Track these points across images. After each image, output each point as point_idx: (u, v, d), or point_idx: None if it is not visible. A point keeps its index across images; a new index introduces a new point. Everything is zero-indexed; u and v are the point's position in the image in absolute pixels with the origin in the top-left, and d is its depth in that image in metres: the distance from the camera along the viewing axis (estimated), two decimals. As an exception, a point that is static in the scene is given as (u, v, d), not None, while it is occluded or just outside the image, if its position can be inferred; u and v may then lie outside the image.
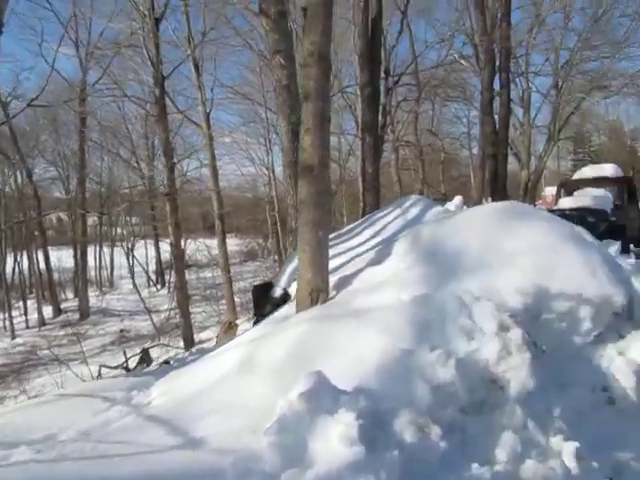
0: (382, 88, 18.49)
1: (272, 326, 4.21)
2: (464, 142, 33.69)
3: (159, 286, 36.44)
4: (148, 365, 9.74)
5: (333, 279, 4.63)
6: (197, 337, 18.95)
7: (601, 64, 33.94)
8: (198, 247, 31.41)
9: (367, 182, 16.72)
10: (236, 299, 22.86)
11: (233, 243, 43.39)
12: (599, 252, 3.60)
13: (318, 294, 4.26)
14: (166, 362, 9.02)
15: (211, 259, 27.27)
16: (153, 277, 37.81)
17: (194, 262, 33.91)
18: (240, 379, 3.28)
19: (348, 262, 5.25)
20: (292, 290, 9.00)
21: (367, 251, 5.26)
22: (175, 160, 20.30)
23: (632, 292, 3.57)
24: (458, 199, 13.49)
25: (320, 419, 2.42)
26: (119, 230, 39.70)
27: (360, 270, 4.51)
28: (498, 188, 20.91)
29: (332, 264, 6.47)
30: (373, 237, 8.85)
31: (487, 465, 2.53)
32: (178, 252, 18.35)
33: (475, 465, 2.50)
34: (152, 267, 38.35)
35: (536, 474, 2.63)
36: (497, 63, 21.00)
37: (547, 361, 3.15)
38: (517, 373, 2.84)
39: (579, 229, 3.91)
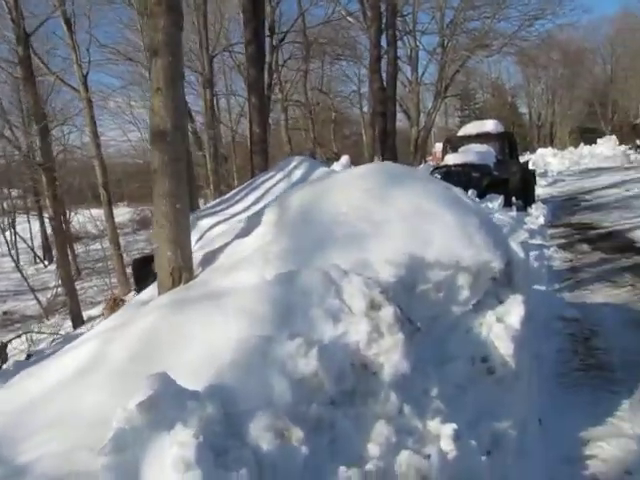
0: (267, 46, 17.89)
1: (130, 313, 3.71)
2: (354, 100, 33.66)
3: (47, 262, 34.30)
4: (3, 362, 8.65)
5: (200, 254, 4.18)
6: (88, 314, 17.92)
7: (483, 24, 34.88)
8: (86, 219, 29.80)
9: (255, 144, 16.13)
10: (128, 271, 21.81)
11: (125, 212, 41.50)
12: (477, 215, 3.37)
13: (180, 273, 3.79)
14: (28, 356, 8.19)
15: (100, 231, 25.90)
16: (40, 253, 35.51)
17: (85, 234, 32.19)
18: (81, 384, 2.79)
19: (222, 234, 4.79)
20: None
21: (241, 220, 4.82)
22: (49, 127, 18.82)
23: (510, 255, 3.38)
24: (345, 158, 13.28)
25: (157, 435, 2.01)
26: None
27: (228, 243, 4.08)
28: (388, 145, 20.96)
29: (207, 236, 6.00)
30: (254, 203, 8.47)
31: (356, 466, 2.23)
32: (57, 226, 17.15)
33: (342, 468, 2.19)
34: (38, 242, 35.94)
35: (410, 466, 2.36)
36: (384, 21, 20.82)
37: (425, 337, 2.90)
38: (390, 355, 2.55)
39: (457, 190, 3.67)
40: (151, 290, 4.17)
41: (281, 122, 25.35)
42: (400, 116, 41.03)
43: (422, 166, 22.89)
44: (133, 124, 28.45)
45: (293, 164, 9.79)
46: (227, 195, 10.71)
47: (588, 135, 42.38)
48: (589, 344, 5.00)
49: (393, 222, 3.22)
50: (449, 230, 3.16)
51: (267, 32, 17.89)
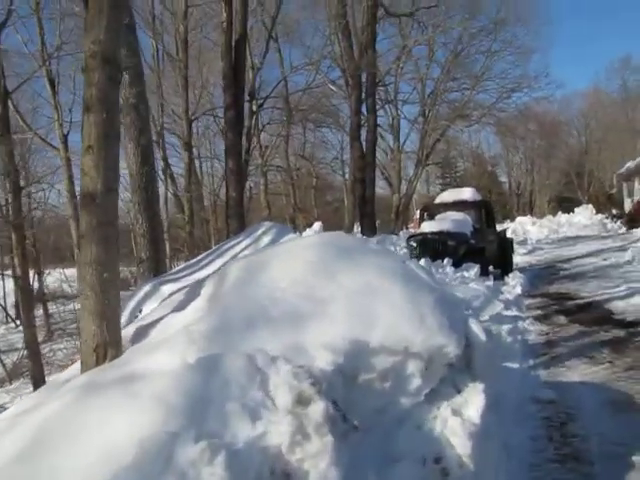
0: (247, 111, 17.91)
1: (42, 396, 3.26)
2: (336, 167, 33.88)
3: (18, 322, 33.25)
4: None
5: (133, 328, 3.79)
6: (53, 378, 17.12)
7: (462, 95, 35.76)
8: (63, 278, 29.08)
9: (231, 207, 15.95)
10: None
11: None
12: (431, 292, 3.01)
13: (105, 350, 3.37)
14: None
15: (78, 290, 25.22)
16: (12, 312, 34.52)
17: (61, 294, 31.38)
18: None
19: (170, 305, 4.38)
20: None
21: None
22: (23, 184, 18.50)
23: (470, 337, 3.02)
24: (317, 225, 13.02)
25: None
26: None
27: (164, 316, 3.69)
28: (367, 212, 20.91)
29: (162, 305, 5.57)
30: (219, 269, 8.12)
31: None
32: (25, 285, 16.54)
33: None
34: (11, 300, 34.91)
35: None
36: (364, 89, 21.14)
37: (366, 435, 2.48)
38: (317, 461, 2.13)
39: (412, 264, 3.33)
40: (74, 367, 3.73)
41: (260, 187, 25.26)
42: (382, 183, 41.50)
43: (402, 233, 22.77)
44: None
45: (261, 230, 9.48)
46: (193, 260, 10.34)
47: (566, 204, 42.97)
48: (565, 430, 4.56)
49: (336, 300, 2.85)
50: (398, 310, 2.79)
51: (247, 97, 17.96)
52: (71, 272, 25.98)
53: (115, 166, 3.53)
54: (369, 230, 20.49)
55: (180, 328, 3.05)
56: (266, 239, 9.08)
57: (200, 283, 3.98)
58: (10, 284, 34.22)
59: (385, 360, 2.65)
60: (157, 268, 10.86)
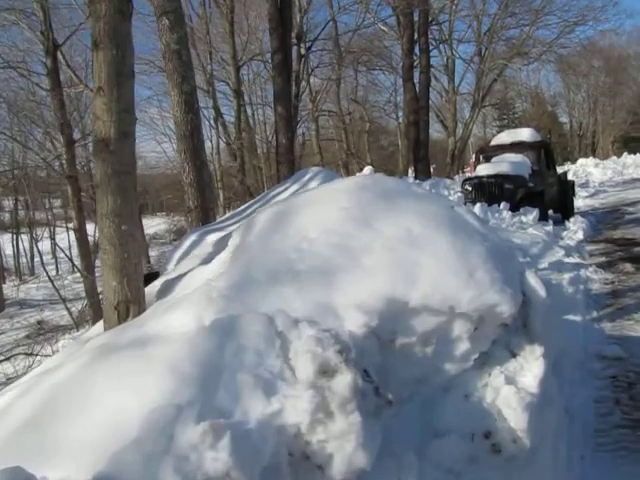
0: (295, 54, 17.27)
1: (66, 354, 3.06)
2: (390, 110, 32.78)
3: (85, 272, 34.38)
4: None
5: (160, 283, 3.54)
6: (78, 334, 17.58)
7: (521, 31, 33.67)
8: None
9: (281, 154, 15.58)
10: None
11: (161, 222, 41.44)
12: (483, 241, 2.58)
13: (127, 306, 3.12)
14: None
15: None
16: (78, 262, 35.69)
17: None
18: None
19: (200, 256, 4.13)
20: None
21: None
22: (77, 137, 18.58)
23: (528, 293, 2.59)
24: (367, 169, 12.51)
25: None
26: (40, 214, 37.12)
27: (192, 269, 3.41)
28: (421, 156, 20.18)
29: (193, 256, 5.34)
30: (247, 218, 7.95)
31: None
32: (82, 237, 16.87)
33: None
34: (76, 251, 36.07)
35: None
36: (416, 28, 20.06)
37: (403, 409, 2.14)
38: (342, 443, 1.80)
39: (462, 209, 2.89)
40: (98, 326, 3.52)
41: (312, 132, 24.66)
42: (437, 126, 40.11)
43: (457, 177, 21.95)
44: (165, 135, 28.32)
45: (308, 175, 9.09)
46: (240, 208, 10.12)
47: (632, 144, 40.57)
48: (634, 391, 4.11)
49: (372, 252, 2.47)
50: (444, 263, 2.39)
51: (295, 40, 17.29)
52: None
53: (129, 108, 3.19)
54: (423, 174, 19.79)
55: (200, 285, 2.75)
56: (313, 184, 8.70)
57: (230, 233, 3.66)
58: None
59: (427, 321, 2.27)
60: (206, 217, 10.70)
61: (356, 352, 2.05)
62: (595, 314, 5.74)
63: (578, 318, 5.25)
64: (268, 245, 2.73)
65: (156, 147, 32.65)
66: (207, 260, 3.47)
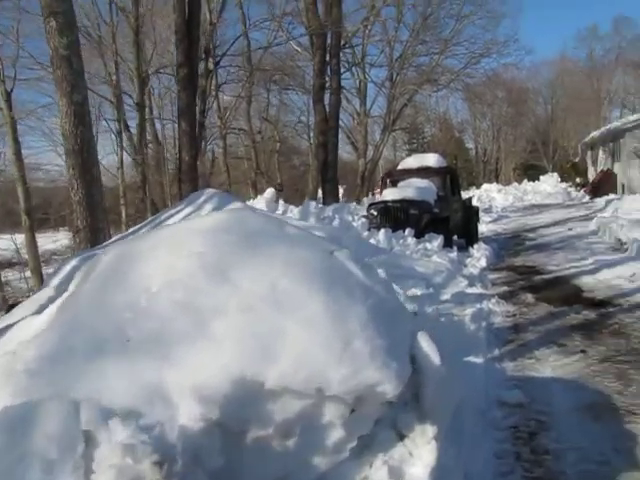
0: (203, 69, 16.64)
1: None
2: (301, 130, 32.62)
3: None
4: None
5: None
6: None
7: (431, 59, 34.63)
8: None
9: (184, 172, 14.82)
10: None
11: (63, 237, 38.99)
12: (366, 297, 2.11)
13: None
14: None
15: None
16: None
17: (17, 260, 29.86)
18: None
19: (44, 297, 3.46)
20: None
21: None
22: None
23: (419, 359, 2.14)
24: (269, 192, 12.04)
25: None
26: None
27: (23, 318, 2.75)
28: (329, 177, 19.98)
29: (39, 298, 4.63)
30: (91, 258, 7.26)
31: None
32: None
33: None
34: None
35: None
36: (328, 50, 19.92)
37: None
38: None
39: (342, 256, 2.42)
40: None
41: (219, 150, 23.97)
42: (349, 148, 40.47)
43: (365, 199, 21.89)
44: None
45: (203, 198, 8.47)
46: (128, 231, 9.32)
47: (531, 172, 42.55)
48: (536, 443, 3.78)
49: (225, 314, 1.94)
50: (314, 330, 1.89)
51: (202, 55, 16.66)
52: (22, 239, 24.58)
53: None
54: (331, 195, 19.58)
55: (9, 349, 2.11)
56: (208, 207, 8.11)
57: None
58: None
59: (289, 406, 1.76)
60: (95, 238, 9.81)
61: (187, 458, 1.49)
62: (497, 352, 5.46)
63: (479, 360, 4.93)
64: (101, 299, 2.13)
65: (56, 159, 30.72)
66: (42, 305, 2.83)
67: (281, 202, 11.44)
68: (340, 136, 37.85)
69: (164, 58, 23.99)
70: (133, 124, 26.56)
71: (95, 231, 10.23)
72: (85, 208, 10.17)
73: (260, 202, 11.24)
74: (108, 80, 22.97)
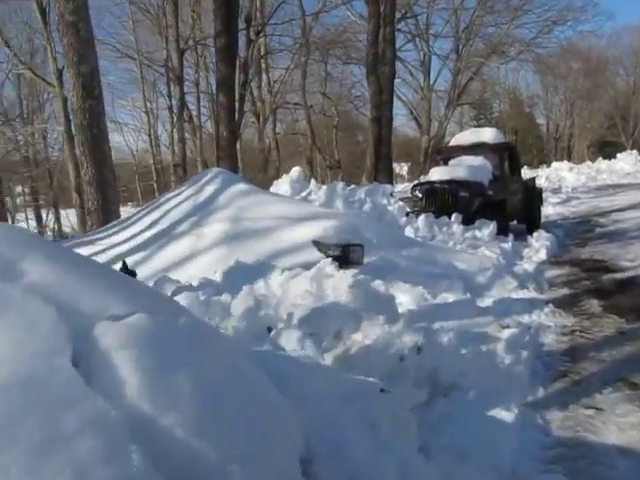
0: (244, 40, 15.32)
1: None
2: (360, 105, 30.92)
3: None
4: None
5: None
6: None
7: (499, 29, 32.01)
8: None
9: (221, 148, 13.66)
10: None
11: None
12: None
13: None
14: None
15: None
16: None
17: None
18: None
19: None
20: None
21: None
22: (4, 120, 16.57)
23: None
24: (296, 171, 10.65)
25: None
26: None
27: None
28: (382, 154, 18.38)
29: None
30: (146, 229, 6.71)
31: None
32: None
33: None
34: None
35: None
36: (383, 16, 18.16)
37: None
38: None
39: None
40: None
41: (269, 125, 22.69)
42: (413, 124, 38.39)
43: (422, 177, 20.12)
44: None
45: (206, 178, 7.24)
46: (129, 214, 8.24)
47: (608, 149, 39.05)
48: None
49: None
50: None
51: (243, 24, 15.32)
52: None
53: None
54: (384, 174, 18.02)
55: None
56: (208, 190, 6.90)
57: None
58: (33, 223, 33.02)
59: None
60: (108, 221, 8.82)
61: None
62: (541, 393, 3.92)
63: (512, 412, 3.41)
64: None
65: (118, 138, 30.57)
66: None
67: (312, 182, 10.06)
68: (404, 112, 35.92)
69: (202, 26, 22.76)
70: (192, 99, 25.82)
71: (107, 213, 9.22)
72: (96, 188, 9.17)
73: (284, 182, 9.91)
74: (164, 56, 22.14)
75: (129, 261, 5.70)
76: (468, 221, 9.34)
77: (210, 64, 21.68)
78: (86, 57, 9.02)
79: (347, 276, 3.62)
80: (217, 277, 4.30)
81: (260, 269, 4.30)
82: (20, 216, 32.53)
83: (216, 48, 14.10)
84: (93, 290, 1.33)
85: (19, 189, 31.64)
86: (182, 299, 3.53)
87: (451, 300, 5.39)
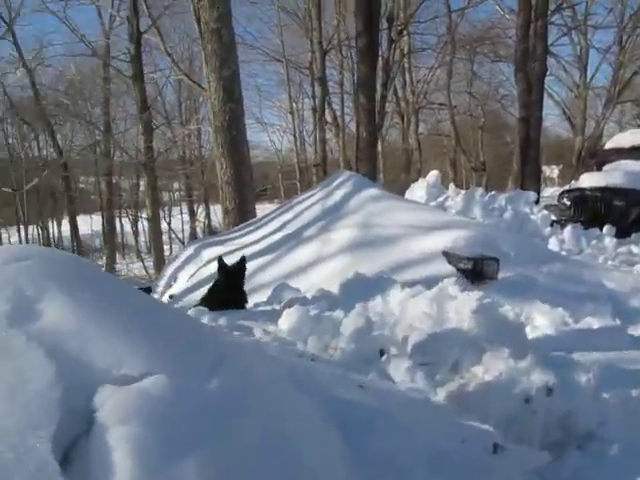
0: (385, 39, 15.05)
1: None
2: (506, 105, 29.30)
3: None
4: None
5: None
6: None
7: (674, 18, 28.71)
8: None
9: (361, 150, 13.58)
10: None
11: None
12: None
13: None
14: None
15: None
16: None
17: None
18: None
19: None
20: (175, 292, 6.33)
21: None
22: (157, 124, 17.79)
23: None
24: (433, 175, 10.17)
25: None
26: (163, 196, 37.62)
27: None
28: (530, 157, 17.24)
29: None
30: (276, 231, 6.66)
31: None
32: (153, 226, 15.95)
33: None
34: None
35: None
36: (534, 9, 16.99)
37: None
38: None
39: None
40: None
41: (411, 127, 22.18)
42: (566, 125, 35.72)
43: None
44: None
45: (337, 181, 7.12)
46: (257, 218, 8.33)
47: None
48: None
49: None
50: None
51: (385, 23, 15.07)
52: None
53: None
54: (531, 179, 16.89)
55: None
56: (339, 194, 6.75)
57: None
58: (186, 218, 35.33)
59: None
60: (244, 219, 9.07)
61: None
62: None
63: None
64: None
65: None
66: None
67: (451, 187, 9.56)
68: (556, 111, 33.54)
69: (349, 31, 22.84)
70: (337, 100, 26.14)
71: (244, 213, 9.48)
72: (234, 188, 9.47)
73: (420, 187, 9.51)
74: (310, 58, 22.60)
75: (256, 264, 5.73)
76: (623, 234, 8.34)
77: (354, 65, 21.77)
78: (227, 61, 9.31)
79: (471, 299, 3.25)
80: (334, 289, 4.12)
81: (379, 283, 4.06)
82: (176, 210, 34.90)
83: (357, 49, 14.04)
84: (117, 337, 1.15)
85: (175, 185, 34.29)
86: (293, 313, 3.38)
87: (596, 326, 4.75)
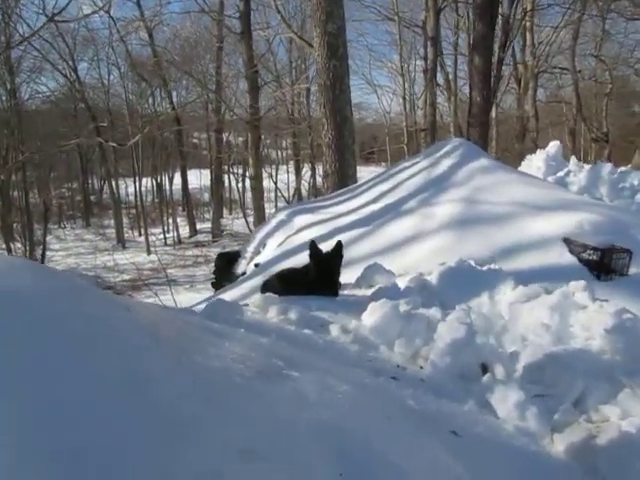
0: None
1: None
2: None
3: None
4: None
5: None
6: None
7: None
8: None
9: (473, 115, 12.51)
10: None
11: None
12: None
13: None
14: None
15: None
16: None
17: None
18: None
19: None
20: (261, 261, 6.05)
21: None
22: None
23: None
24: (553, 146, 8.99)
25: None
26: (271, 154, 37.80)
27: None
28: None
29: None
30: (370, 202, 6.12)
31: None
32: (258, 185, 15.78)
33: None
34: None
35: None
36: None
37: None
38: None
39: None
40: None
41: (529, 92, 20.27)
42: None
43: None
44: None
45: (445, 149, 6.34)
46: (353, 185, 7.72)
47: None
48: None
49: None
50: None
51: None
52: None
53: None
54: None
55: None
56: (445, 163, 5.99)
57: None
58: (292, 177, 35.34)
59: None
60: (343, 185, 8.55)
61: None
62: None
63: None
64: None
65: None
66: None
67: (573, 160, 8.39)
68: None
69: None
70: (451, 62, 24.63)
71: (344, 177, 8.98)
72: (334, 151, 8.98)
73: (539, 158, 8.43)
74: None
75: (347, 236, 5.19)
76: None
77: (470, 24, 20.19)
78: (333, 16, 8.70)
79: (606, 312, 2.51)
80: (432, 278, 3.48)
81: (486, 276, 3.36)
82: (283, 169, 34.84)
83: (474, 4, 12.80)
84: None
85: (283, 144, 34.22)
86: (379, 308, 2.80)
87: None
